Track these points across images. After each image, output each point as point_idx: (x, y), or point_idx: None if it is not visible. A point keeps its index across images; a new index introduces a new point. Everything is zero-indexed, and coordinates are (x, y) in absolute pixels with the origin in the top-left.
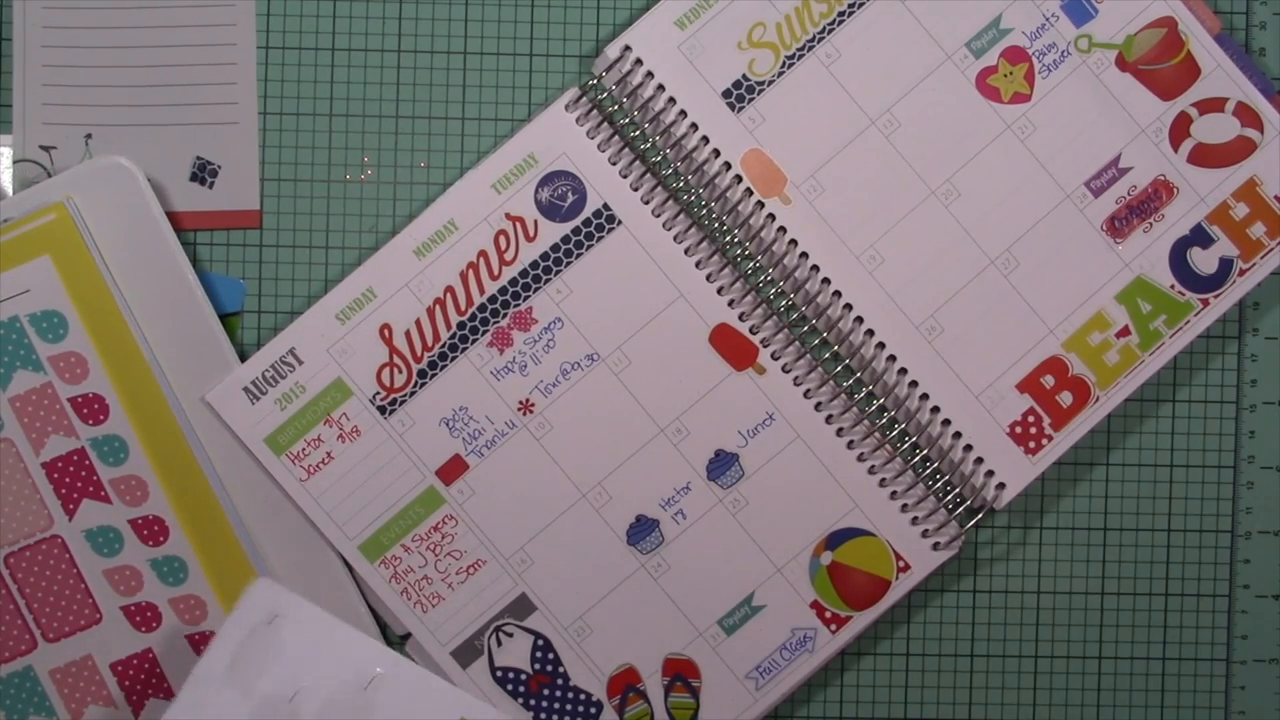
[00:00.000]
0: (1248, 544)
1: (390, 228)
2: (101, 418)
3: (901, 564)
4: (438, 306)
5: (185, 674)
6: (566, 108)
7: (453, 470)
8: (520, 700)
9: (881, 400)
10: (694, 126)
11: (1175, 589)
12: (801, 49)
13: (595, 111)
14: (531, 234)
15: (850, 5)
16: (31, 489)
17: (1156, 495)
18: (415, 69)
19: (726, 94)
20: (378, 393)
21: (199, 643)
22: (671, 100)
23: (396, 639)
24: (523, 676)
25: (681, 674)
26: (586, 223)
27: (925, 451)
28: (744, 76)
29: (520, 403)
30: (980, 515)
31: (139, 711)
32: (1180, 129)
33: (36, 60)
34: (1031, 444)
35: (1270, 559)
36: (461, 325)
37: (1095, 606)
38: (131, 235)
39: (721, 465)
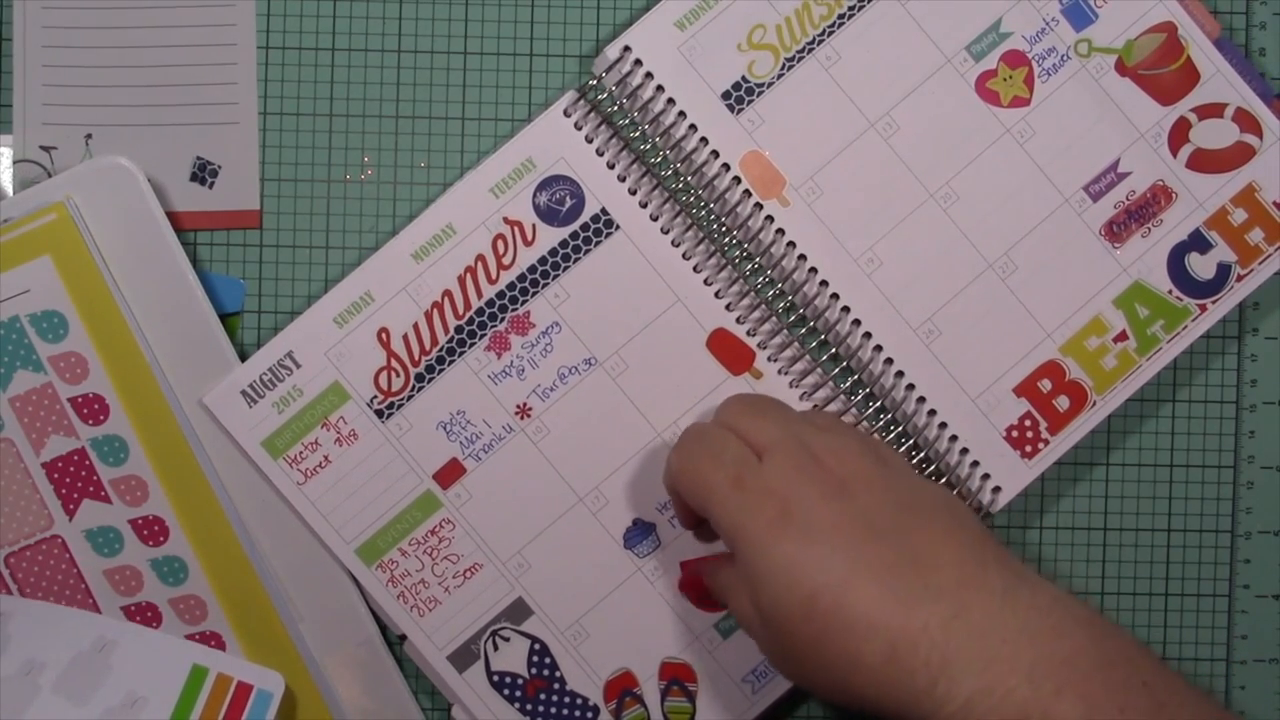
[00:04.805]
0: (1248, 544)
1: (390, 228)
2: (101, 418)
3: None
4: (435, 310)
5: None
6: (565, 111)
7: (450, 474)
8: (517, 705)
9: (879, 403)
10: (693, 128)
11: (1175, 589)
12: (801, 51)
13: (594, 114)
14: (529, 238)
15: (850, 8)
16: (32, 489)
17: (1156, 495)
18: (415, 69)
19: (726, 95)
20: (375, 396)
21: (199, 643)
22: (671, 101)
23: (396, 640)
24: (519, 681)
25: (678, 678)
26: (584, 227)
27: (922, 454)
28: (743, 78)
29: (518, 407)
30: None
31: None
32: (1179, 134)
33: (36, 60)
34: (1028, 448)
35: (1270, 559)
36: (459, 329)
37: (1095, 607)
38: (131, 235)
39: None
